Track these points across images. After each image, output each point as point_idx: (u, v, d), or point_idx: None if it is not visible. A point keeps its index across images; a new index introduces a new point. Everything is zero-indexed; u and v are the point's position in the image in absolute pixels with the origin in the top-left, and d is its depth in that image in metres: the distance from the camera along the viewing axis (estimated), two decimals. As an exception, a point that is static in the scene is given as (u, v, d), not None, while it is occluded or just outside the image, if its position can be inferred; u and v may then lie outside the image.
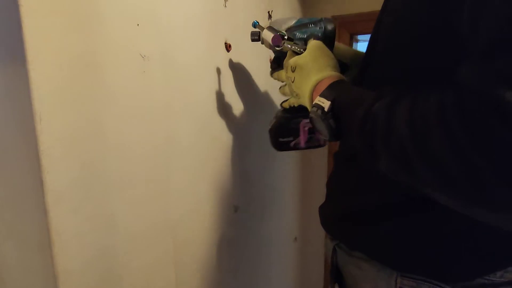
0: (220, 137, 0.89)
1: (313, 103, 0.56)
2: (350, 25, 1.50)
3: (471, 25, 0.38)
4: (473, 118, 0.35)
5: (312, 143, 0.73)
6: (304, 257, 1.60)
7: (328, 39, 0.68)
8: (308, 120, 0.67)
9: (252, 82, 1.05)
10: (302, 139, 0.70)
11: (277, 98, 1.27)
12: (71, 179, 0.47)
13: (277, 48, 0.67)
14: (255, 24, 0.74)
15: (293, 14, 1.39)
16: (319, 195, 1.53)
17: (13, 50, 0.41)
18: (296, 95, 0.65)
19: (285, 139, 0.75)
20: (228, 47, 0.89)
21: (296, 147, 0.75)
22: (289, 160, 1.38)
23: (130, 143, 0.58)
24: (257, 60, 1.07)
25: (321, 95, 0.55)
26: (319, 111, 0.54)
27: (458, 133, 0.35)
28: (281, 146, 0.76)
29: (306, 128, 0.70)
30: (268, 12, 1.15)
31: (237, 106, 0.96)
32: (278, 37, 0.67)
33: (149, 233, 0.63)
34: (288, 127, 0.74)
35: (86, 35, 0.49)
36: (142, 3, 0.59)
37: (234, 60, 0.93)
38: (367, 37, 1.68)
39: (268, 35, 0.68)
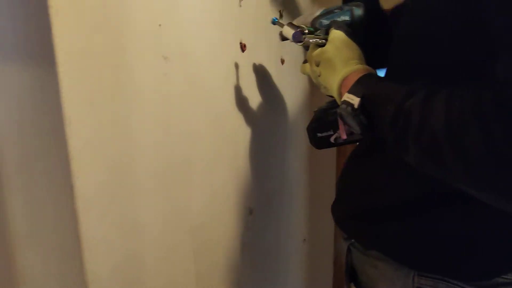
0: (237, 139, 0.88)
1: (342, 100, 0.55)
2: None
3: (502, 22, 0.39)
4: (508, 113, 0.35)
5: (355, 136, 0.62)
6: (313, 258, 1.59)
7: (356, 24, 0.65)
8: None
9: (267, 83, 1.04)
10: (342, 130, 0.61)
11: (293, 100, 1.26)
12: (100, 184, 0.46)
13: (299, 44, 0.66)
14: (274, 21, 0.72)
15: (303, 12, 1.38)
16: (327, 196, 1.52)
17: (42, 52, 0.39)
18: (324, 87, 0.64)
19: (323, 134, 0.68)
20: (243, 47, 0.88)
21: (337, 142, 0.68)
22: (298, 160, 1.38)
23: (153, 146, 0.57)
24: (271, 59, 1.06)
25: (350, 92, 0.54)
26: (349, 108, 0.53)
27: (494, 128, 0.35)
28: (320, 142, 0.69)
29: None
30: (280, 11, 1.14)
31: (253, 108, 0.95)
32: (299, 33, 0.65)
33: (171, 236, 0.62)
34: (326, 120, 0.67)
35: (112, 36, 0.48)
36: (163, 4, 0.58)
37: (249, 60, 0.92)
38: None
39: (288, 32, 0.66)
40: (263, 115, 1.01)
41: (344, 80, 0.57)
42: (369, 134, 0.55)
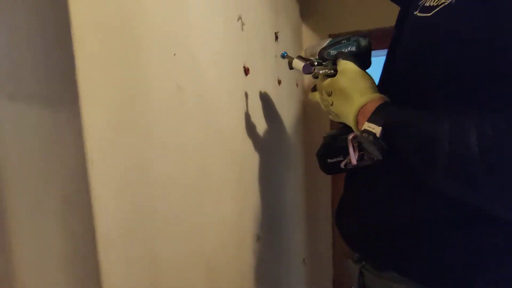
0: (243, 163, 0.86)
1: (363, 129, 0.55)
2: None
3: None
4: None
5: (365, 161, 0.62)
6: (313, 278, 1.57)
7: (362, 55, 0.67)
8: (354, 134, 0.61)
9: (268, 106, 1.03)
10: (352, 156, 0.61)
11: (289, 119, 1.26)
12: (121, 223, 0.43)
13: (310, 75, 0.67)
14: (283, 55, 0.74)
15: (295, 33, 1.40)
16: (324, 216, 1.52)
17: (65, 91, 0.37)
18: (336, 115, 0.64)
19: (333, 160, 0.67)
20: (246, 71, 0.87)
21: (347, 168, 0.67)
22: (296, 181, 1.37)
23: (171, 179, 0.55)
24: (270, 81, 1.06)
25: (370, 121, 0.55)
26: (371, 137, 0.53)
27: None
28: (330, 168, 0.68)
29: (356, 144, 0.60)
30: (275, 33, 1.15)
31: (259, 132, 0.94)
32: (308, 66, 0.67)
33: (187, 268, 0.59)
34: (336, 146, 0.66)
35: (132, 70, 0.46)
36: (177, 33, 0.57)
37: (252, 83, 0.91)
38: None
39: (298, 65, 0.68)
40: (267, 138, 1.00)
41: (361, 109, 0.58)
42: (388, 158, 0.55)
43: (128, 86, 0.45)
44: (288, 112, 1.26)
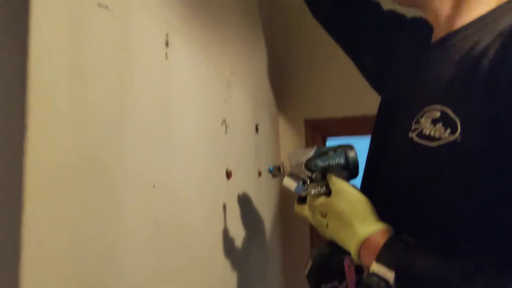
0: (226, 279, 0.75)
1: (371, 271, 0.49)
2: (322, 129, 1.56)
3: None
4: None
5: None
6: None
7: (352, 167, 0.63)
8: (351, 257, 0.54)
9: (249, 209, 0.95)
10: (350, 282, 0.54)
11: (269, 215, 1.18)
12: None
13: (301, 195, 0.62)
14: (270, 170, 0.70)
15: (272, 121, 1.39)
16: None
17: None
18: (330, 235, 0.58)
19: (328, 285, 0.60)
20: (229, 175, 0.81)
21: None
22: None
23: None
24: (250, 175, 1.00)
25: (379, 261, 0.48)
26: (382, 283, 0.47)
27: None
28: None
29: (352, 267, 0.54)
30: (256, 125, 1.13)
31: (239, 247, 0.85)
32: (301, 187, 0.63)
33: None
34: (330, 268, 0.60)
35: (105, 215, 0.37)
36: (158, 163, 0.49)
37: (234, 184, 0.84)
38: (337, 138, 1.70)
39: (290, 185, 0.64)
40: (246, 251, 0.89)
41: (364, 241, 0.52)
42: None
43: (96, 242, 0.35)
44: (267, 207, 1.19)
